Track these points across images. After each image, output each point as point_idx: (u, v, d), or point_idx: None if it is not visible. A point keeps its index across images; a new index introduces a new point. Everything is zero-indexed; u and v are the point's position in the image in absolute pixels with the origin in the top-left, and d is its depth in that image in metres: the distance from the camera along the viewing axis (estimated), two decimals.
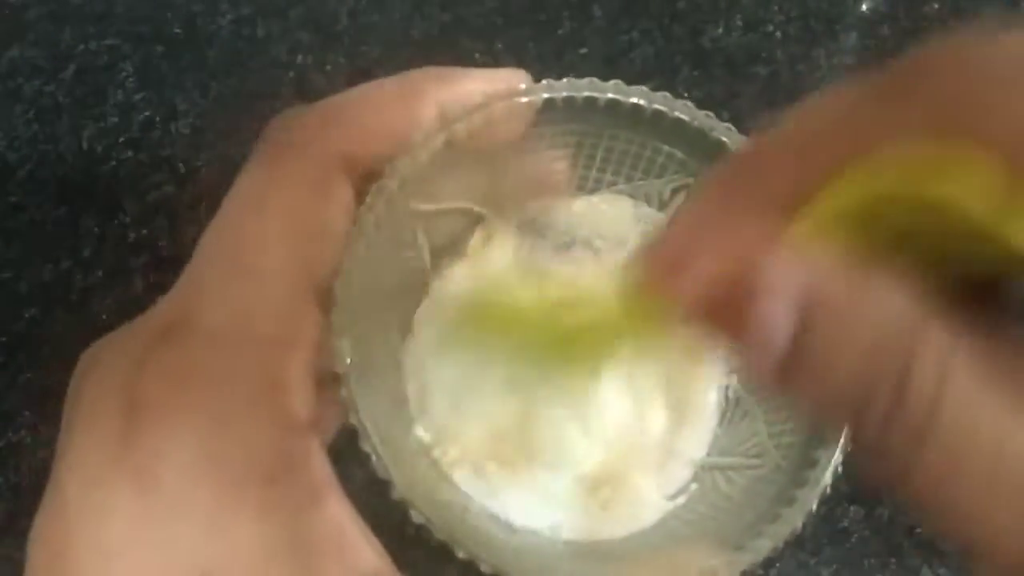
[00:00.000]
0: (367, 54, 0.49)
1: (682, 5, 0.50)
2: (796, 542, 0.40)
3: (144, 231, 0.44)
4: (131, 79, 0.48)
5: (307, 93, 0.48)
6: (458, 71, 0.29)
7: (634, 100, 0.29)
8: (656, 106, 0.29)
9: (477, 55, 0.49)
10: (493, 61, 0.48)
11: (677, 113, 0.29)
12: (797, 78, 0.49)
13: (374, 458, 0.25)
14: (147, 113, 0.47)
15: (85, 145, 0.46)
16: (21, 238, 0.44)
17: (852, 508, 0.41)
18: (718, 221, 0.19)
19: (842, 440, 0.26)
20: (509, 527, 0.29)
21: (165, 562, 0.23)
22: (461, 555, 0.24)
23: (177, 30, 0.49)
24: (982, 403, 0.17)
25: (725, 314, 0.18)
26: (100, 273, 0.44)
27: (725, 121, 0.29)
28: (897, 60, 0.17)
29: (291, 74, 0.48)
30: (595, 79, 0.29)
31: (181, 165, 0.46)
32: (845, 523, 0.41)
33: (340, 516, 0.24)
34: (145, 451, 0.24)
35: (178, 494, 0.23)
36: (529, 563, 0.27)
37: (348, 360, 0.25)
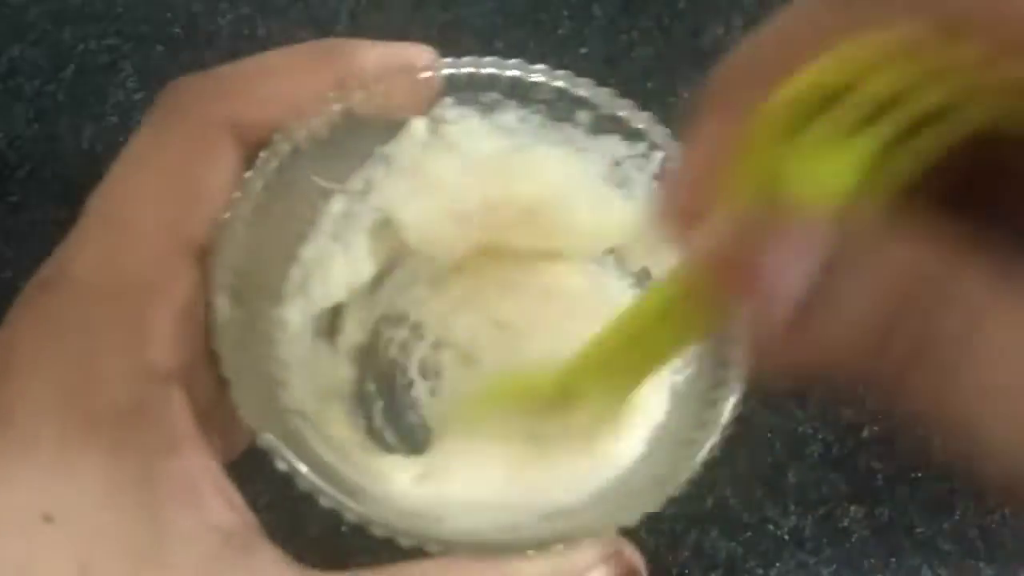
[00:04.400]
0: None
1: (682, 5, 0.50)
2: (796, 542, 0.40)
3: None
4: (131, 79, 0.48)
5: None
6: (359, 42, 0.28)
7: (536, 78, 0.28)
8: (558, 84, 0.28)
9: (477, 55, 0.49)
10: None
11: (579, 91, 0.28)
12: None
13: (239, 408, 0.24)
14: None
15: (85, 145, 0.46)
16: (21, 238, 0.44)
17: (852, 508, 0.41)
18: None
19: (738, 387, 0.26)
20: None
21: (12, 501, 0.23)
22: (324, 503, 0.23)
23: (177, 30, 0.49)
24: (1014, 343, 0.16)
25: (736, 267, 0.17)
26: None
27: None
28: None
29: None
30: (498, 58, 0.28)
31: None
32: (845, 523, 0.41)
33: (196, 467, 0.24)
34: (7, 394, 0.24)
35: (26, 432, 0.24)
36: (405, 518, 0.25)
37: (221, 314, 0.25)
